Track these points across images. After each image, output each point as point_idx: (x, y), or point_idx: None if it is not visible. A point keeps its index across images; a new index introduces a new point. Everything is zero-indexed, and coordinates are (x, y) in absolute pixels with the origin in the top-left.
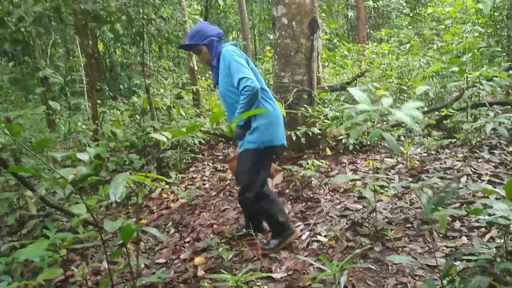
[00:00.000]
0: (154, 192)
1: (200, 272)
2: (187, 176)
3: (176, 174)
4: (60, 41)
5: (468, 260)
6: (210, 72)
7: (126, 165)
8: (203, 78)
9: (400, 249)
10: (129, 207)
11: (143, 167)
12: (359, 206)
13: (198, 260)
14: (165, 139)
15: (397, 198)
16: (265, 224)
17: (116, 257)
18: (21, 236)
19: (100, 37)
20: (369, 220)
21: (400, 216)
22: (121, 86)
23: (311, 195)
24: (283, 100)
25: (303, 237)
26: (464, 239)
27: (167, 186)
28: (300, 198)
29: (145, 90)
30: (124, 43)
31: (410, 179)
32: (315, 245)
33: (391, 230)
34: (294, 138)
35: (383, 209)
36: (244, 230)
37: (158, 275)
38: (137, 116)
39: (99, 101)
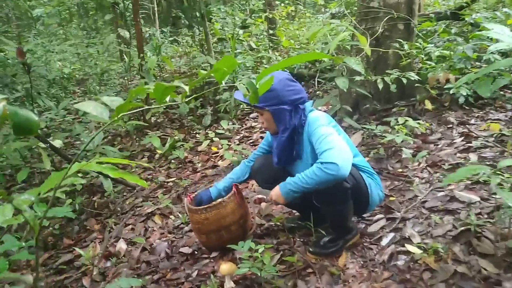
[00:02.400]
0: (201, 145)
1: (229, 284)
2: (244, 125)
3: (231, 123)
4: None
5: None
6: None
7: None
8: (282, 4)
9: None
10: (171, 162)
11: (196, 109)
12: (475, 198)
13: (225, 268)
14: (106, 117)
15: None
16: None
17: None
18: None
19: None
20: (493, 227)
21: None
22: (197, 14)
23: (400, 171)
24: (370, 31)
25: (384, 241)
26: None
27: (217, 139)
28: (384, 172)
29: (205, 18)
30: None
31: None
32: (401, 259)
33: None
34: (381, 85)
35: None
36: (300, 222)
37: None
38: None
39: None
